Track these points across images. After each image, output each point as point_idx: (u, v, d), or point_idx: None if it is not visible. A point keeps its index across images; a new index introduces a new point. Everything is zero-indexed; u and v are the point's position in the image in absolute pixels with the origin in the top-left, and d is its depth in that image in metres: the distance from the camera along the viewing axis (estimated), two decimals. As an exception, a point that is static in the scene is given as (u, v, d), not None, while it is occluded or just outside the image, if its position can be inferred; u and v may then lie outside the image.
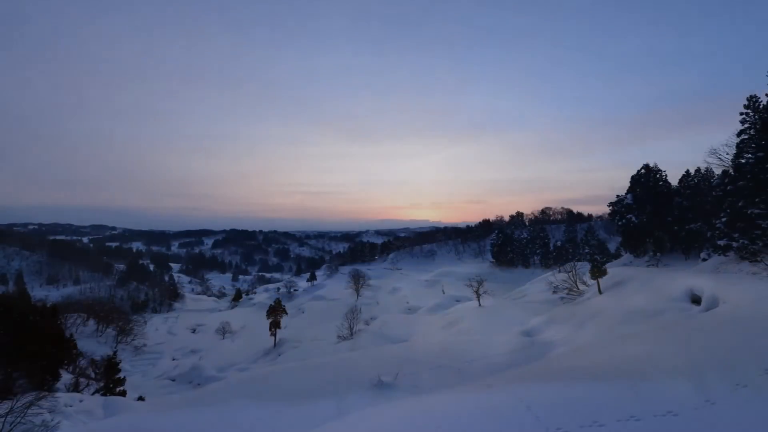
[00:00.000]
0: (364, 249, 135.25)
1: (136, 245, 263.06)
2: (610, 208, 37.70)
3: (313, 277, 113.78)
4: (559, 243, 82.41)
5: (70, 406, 20.38)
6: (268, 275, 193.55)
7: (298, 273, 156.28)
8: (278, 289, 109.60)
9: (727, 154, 27.06)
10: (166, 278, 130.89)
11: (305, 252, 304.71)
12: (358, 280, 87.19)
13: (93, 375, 38.51)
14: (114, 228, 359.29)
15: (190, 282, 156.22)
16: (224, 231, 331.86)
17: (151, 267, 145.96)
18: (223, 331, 68.88)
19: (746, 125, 23.21)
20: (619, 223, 36.61)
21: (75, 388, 31.09)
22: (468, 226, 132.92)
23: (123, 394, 27.51)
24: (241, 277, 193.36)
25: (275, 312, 55.45)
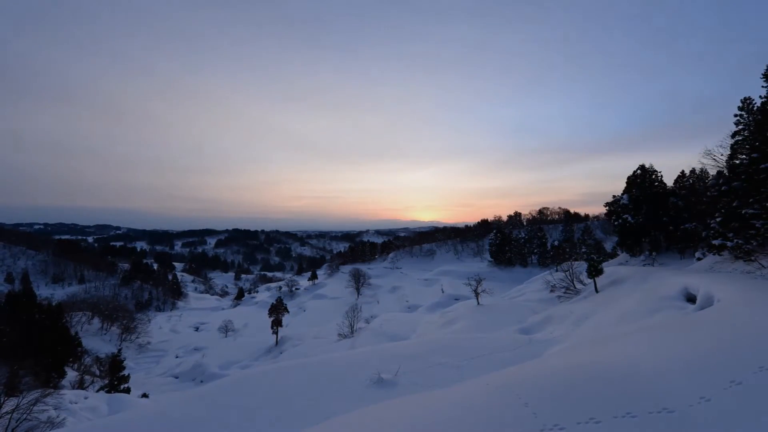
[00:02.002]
0: (364, 248, 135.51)
1: (140, 245, 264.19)
2: (607, 208, 37.84)
3: (314, 276, 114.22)
4: (556, 242, 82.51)
5: (75, 403, 20.78)
6: (269, 274, 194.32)
7: (300, 272, 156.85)
8: (280, 288, 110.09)
9: (722, 155, 27.30)
10: (170, 277, 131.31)
11: (306, 251, 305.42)
12: (358, 279, 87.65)
13: (97, 372, 39.09)
14: (118, 228, 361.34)
15: (193, 281, 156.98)
16: (227, 231, 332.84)
17: (155, 266, 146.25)
18: (226, 329, 69.36)
19: (740, 126, 23.52)
20: (616, 223, 36.77)
21: (80, 385, 31.59)
22: (467, 226, 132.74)
23: (127, 391, 27.90)
24: (243, 276, 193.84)
25: (277, 310, 55.90)
